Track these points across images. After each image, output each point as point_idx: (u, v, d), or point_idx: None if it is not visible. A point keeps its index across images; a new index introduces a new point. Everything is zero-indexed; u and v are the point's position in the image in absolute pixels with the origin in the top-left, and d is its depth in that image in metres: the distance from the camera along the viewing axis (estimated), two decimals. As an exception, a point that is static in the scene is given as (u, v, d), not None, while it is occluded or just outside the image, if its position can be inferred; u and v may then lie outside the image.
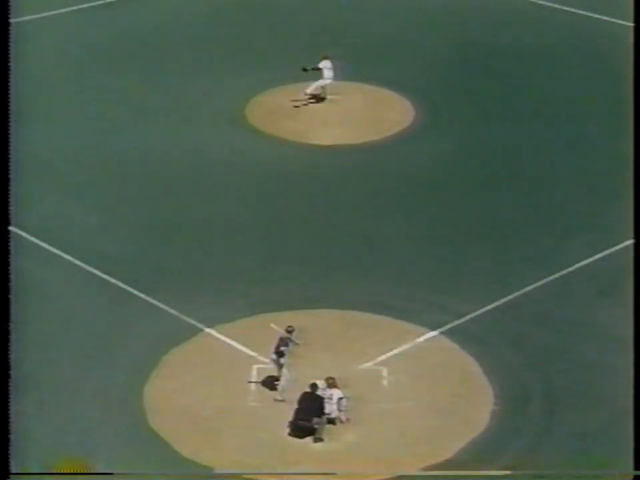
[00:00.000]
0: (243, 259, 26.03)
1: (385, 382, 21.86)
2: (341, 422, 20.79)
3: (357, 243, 26.89)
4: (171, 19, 39.92)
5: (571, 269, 25.58)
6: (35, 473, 18.18)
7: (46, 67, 35.74)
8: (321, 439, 20.45)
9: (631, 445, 17.85)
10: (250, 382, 21.70)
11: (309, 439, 20.44)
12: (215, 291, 24.62)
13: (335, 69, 32.88)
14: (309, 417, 20.30)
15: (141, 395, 21.40)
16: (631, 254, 21.56)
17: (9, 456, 16.38)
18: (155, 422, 20.78)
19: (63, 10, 40.27)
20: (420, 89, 34.59)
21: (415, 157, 31.12)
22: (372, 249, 26.65)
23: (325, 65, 32.91)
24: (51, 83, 34.94)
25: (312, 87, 33.02)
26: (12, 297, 17.03)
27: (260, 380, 21.72)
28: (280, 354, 21.29)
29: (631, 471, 17.94)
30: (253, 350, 22.51)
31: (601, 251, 26.23)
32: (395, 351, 22.58)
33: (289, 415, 20.69)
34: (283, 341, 21.46)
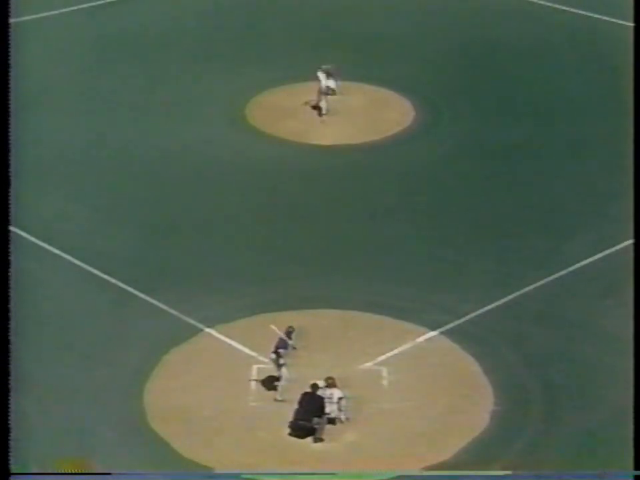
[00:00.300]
0: (242, 259, 26.03)
1: (384, 382, 21.87)
2: (341, 422, 20.80)
3: (357, 243, 26.90)
4: (170, 19, 39.90)
5: (570, 268, 25.61)
6: (35, 473, 18.21)
7: (46, 66, 35.72)
8: (321, 439, 20.45)
9: (631, 445, 17.92)
10: (251, 380, 21.67)
11: (309, 439, 20.44)
12: (214, 291, 24.62)
13: (330, 78, 32.64)
14: (310, 417, 20.30)
15: (141, 394, 21.40)
16: (631, 254, 21.53)
17: (9, 456, 16.45)
18: (155, 422, 20.78)
19: (63, 10, 40.28)
20: (420, 89, 34.63)
21: (415, 156, 31.15)
22: (372, 249, 26.65)
23: (319, 76, 32.77)
24: (50, 83, 34.93)
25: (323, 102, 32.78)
26: (12, 296, 17.02)
27: (260, 379, 21.74)
28: (278, 354, 21.27)
29: (631, 471, 18.02)
30: (252, 350, 22.52)
31: (601, 251, 26.26)
32: (395, 351, 22.60)
33: (289, 415, 20.69)
34: (282, 342, 21.45)
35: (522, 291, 24.77)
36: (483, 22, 40.24)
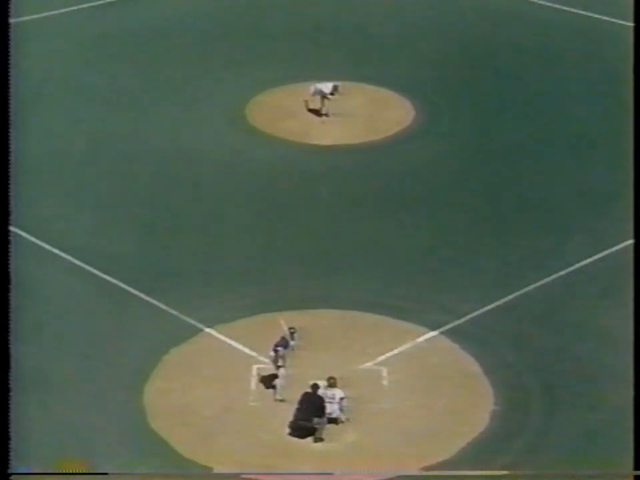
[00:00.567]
0: (242, 259, 26.00)
1: (384, 382, 21.85)
2: (342, 422, 20.79)
3: (356, 242, 26.87)
4: (170, 19, 39.83)
5: (571, 269, 25.58)
6: (35, 473, 18.19)
7: (46, 66, 35.70)
8: (321, 439, 20.44)
9: (631, 445, 17.88)
10: (253, 377, 21.64)
11: (309, 439, 20.43)
12: (214, 290, 24.61)
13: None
14: (310, 417, 20.29)
15: (141, 394, 21.38)
16: (631, 254, 21.54)
17: (9, 456, 16.46)
18: (154, 422, 20.77)
19: (63, 10, 40.26)
20: (420, 89, 34.59)
21: (415, 156, 31.12)
22: (372, 249, 26.62)
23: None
24: (50, 83, 34.90)
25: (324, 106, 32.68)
26: (12, 297, 17.01)
27: (260, 377, 21.73)
28: (276, 353, 21.25)
29: (631, 471, 17.98)
30: (252, 350, 22.50)
31: (601, 251, 26.22)
32: (395, 351, 22.58)
33: (289, 415, 20.67)
34: (284, 341, 21.42)
35: (522, 291, 24.75)
36: (483, 22, 40.21)
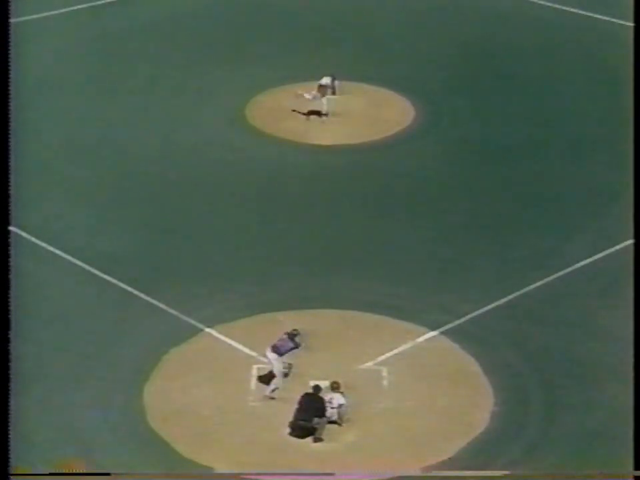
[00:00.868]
0: (242, 259, 25.98)
1: (384, 382, 21.82)
2: (339, 425, 20.77)
3: (356, 242, 26.86)
4: (170, 19, 39.83)
5: (570, 269, 25.56)
6: (35, 474, 18.21)
7: (46, 66, 35.69)
8: (320, 439, 20.43)
9: (631, 445, 17.86)
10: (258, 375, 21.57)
11: (308, 439, 20.41)
12: (214, 290, 24.59)
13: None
14: (310, 417, 20.27)
15: (141, 394, 21.35)
16: (631, 254, 21.48)
17: (9, 456, 16.46)
18: (154, 422, 20.74)
19: (63, 10, 40.25)
20: (420, 89, 34.57)
21: (415, 156, 31.10)
22: (372, 249, 26.60)
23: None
24: (50, 83, 34.88)
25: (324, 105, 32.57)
26: (11, 297, 17.01)
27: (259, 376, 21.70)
28: (275, 349, 21.17)
29: (631, 471, 17.95)
30: (252, 350, 22.47)
31: (601, 251, 26.20)
32: (395, 351, 22.55)
33: (289, 415, 20.64)
34: (283, 342, 21.39)
35: (522, 291, 24.74)
36: (483, 22, 40.20)
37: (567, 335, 23.49)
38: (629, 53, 23.52)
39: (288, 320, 22.42)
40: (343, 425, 20.70)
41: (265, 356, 21.53)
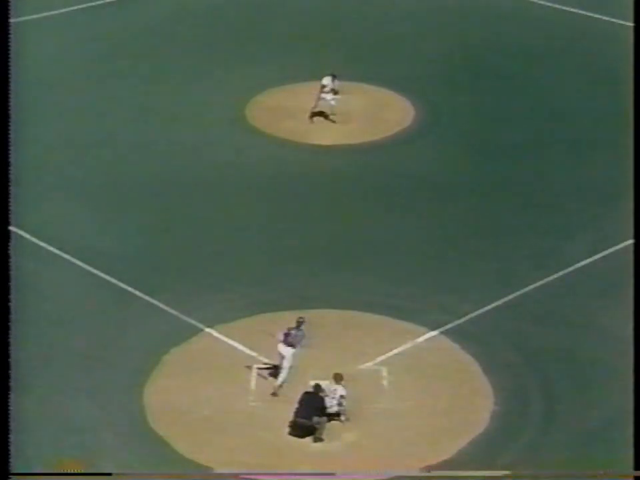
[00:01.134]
0: (242, 259, 25.97)
1: (384, 382, 21.81)
2: (341, 421, 20.77)
3: (356, 242, 26.84)
4: (171, 19, 39.77)
5: (571, 268, 25.54)
6: (35, 473, 18.22)
7: (46, 66, 35.66)
8: (320, 439, 20.43)
9: (631, 445, 17.91)
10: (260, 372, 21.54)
11: (308, 439, 20.41)
12: (214, 290, 24.58)
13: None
14: (310, 416, 20.27)
15: (141, 395, 21.34)
16: (631, 254, 21.51)
17: (9, 456, 16.45)
18: (155, 422, 20.73)
19: (63, 10, 40.23)
20: (420, 89, 34.50)
21: (415, 157, 31.07)
22: (372, 249, 26.58)
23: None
24: (50, 84, 34.84)
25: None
26: (12, 296, 17.01)
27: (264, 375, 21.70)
28: (289, 343, 21.11)
29: (631, 471, 17.99)
30: (252, 350, 22.47)
31: (601, 251, 26.19)
32: (395, 351, 22.54)
33: (289, 415, 20.62)
34: (294, 333, 21.27)
35: (522, 291, 24.73)
36: (483, 22, 40.15)
37: (567, 335, 23.48)
38: (629, 53, 23.51)
39: (287, 320, 22.29)
40: (343, 421, 20.67)
41: (278, 353, 21.38)
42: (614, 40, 37.32)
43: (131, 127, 32.49)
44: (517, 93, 34.89)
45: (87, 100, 33.96)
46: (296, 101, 33.46)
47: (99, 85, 34.84)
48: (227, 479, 19.51)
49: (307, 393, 20.57)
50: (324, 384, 20.64)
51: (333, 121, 32.35)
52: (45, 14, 39.43)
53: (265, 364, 21.84)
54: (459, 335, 23.15)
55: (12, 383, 16.70)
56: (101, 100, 33.94)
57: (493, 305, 24.19)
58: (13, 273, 17.17)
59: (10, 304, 16.91)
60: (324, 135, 32.09)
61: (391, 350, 22.50)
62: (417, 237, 27.22)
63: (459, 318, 23.69)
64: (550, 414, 21.28)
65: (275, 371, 21.54)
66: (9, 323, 16.83)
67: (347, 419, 20.84)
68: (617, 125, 30.69)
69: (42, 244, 26.22)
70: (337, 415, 20.68)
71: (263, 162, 30.48)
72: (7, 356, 16.59)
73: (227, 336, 22.94)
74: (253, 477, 19.40)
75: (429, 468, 19.57)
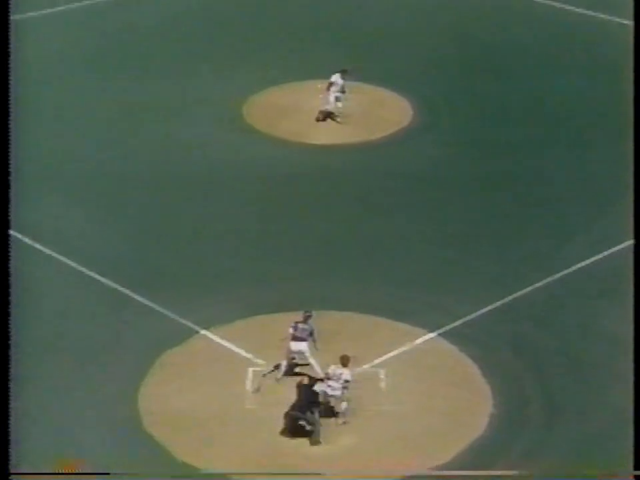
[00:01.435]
0: (239, 260, 25.91)
1: (382, 384, 21.74)
2: (338, 423, 20.65)
3: (354, 243, 26.78)
4: (170, 16, 39.65)
5: (570, 270, 25.48)
6: (34, 473, 18.26)
7: (38, 66, 35.55)
8: (318, 442, 20.37)
9: (631, 444, 17.97)
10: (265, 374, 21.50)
11: (306, 442, 20.32)
12: (210, 292, 24.49)
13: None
14: (304, 410, 20.09)
15: (137, 397, 21.26)
16: (631, 254, 21.55)
17: (9, 456, 16.50)
18: (150, 425, 20.62)
19: (60, 8, 40.17)
20: (418, 89, 34.47)
21: (413, 156, 31.00)
22: (369, 250, 26.53)
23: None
24: (43, 82, 34.73)
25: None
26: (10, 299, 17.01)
27: (257, 385, 21.63)
28: (299, 338, 21.02)
29: (631, 471, 18.03)
30: (249, 352, 22.40)
31: (601, 252, 26.15)
32: (393, 353, 22.46)
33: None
34: (302, 327, 21.20)
35: (521, 292, 24.65)
36: (482, 21, 40.11)
37: (567, 337, 23.42)
38: (630, 53, 23.47)
39: (284, 321, 22.24)
40: (341, 423, 20.54)
41: (290, 352, 21.21)
42: (615, 39, 37.30)
43: (127, 126, 32.38)
44: (517, 93, 34.79)
45: (83, 100, 33.87)
46: (293, 100, 33.44)
47: (96, 85, 34.74)
48: (226, 479, 19.46)
49: (303, 385, 20.44)
50: (330, 368, 20.50)
51: (339, 122, 32.06)
52: (42, 12, 39.38)
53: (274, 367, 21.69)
54: (458, 337, 23.08)
55: (11, 385, 16.57)
56: (97, 100, 33.83)
57: (492, 306, 24.13)
58: (10, 275, 17.14)
59: (9, 306, 16.89)
60: (321, 135, 32.00)
61: (388, 352, 22.42)
62: (415, 237, 27.15)
63: (458, 320, 23.62)
64: (549, 417, 21.19)
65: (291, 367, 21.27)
66: (9, 326, 16.82)
67: (345, 422, 20.78)
68: (617, 124, 30.57)
69: (37, 246, 26.15)
70: (333, 413, 20.51)
71: (259, 161, 30.36)
72: (7, 356, 16.45)
73: (223, 338, 22.85)
74: (253, 476, 19.35)
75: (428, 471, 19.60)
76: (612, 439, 20.13)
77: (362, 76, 33.10)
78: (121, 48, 37.17)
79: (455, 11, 40.80)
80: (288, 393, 20.98)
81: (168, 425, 20.67)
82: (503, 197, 29.12)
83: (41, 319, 23.48)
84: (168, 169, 30.02)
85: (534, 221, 27.87)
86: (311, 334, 21.44)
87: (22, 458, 17.83)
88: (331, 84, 31.80)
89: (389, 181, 29.74)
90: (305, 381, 20.77)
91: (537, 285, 24.92)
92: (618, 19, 38.72)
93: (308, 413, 20.22)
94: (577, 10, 40.65)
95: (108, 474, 18.03)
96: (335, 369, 20.44)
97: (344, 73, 31.81)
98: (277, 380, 21.38)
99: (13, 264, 17.48)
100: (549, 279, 25.12)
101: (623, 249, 25.71)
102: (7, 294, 16.84)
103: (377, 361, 22.27)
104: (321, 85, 32.85)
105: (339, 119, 32.19)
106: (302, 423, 20.27)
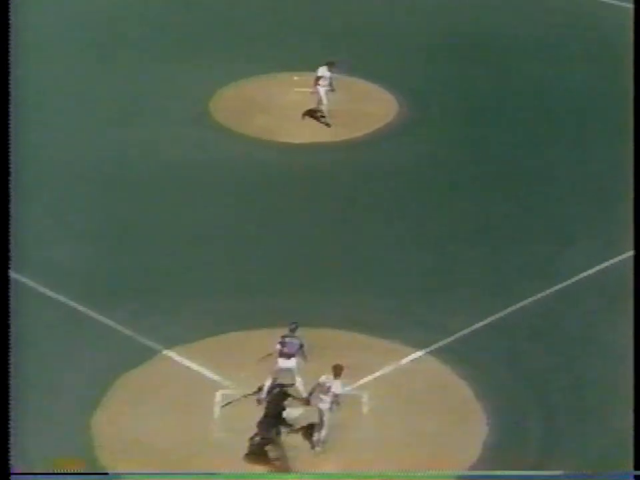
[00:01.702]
0: (207, 271, 25.82)
1: (365, 408, 21.69)
2: (315, 451, 20.48)
3: (333, 251, 26.76)
4: (137, 3, 39.60)
5: (570, 281, 25.58)
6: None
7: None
8: (287, 470, 20.02)
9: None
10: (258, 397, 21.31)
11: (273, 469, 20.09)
12: (175, 307, 24.41)
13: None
14: (268, 428, 19.91)
15: (89, 425, 21.07)
16: (631, 265, 21.86)
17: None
18: (103, 456, 20.39)
19: None
20: (405, 82, 34.57)
21: (399, 156, 31.06)
22: (351, 258, 26.54)
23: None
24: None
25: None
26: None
27: (224, 405, 21.51)
28: (287, 354, 21.06)
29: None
30: (216, 374, 22.29)
31: (602, 262, 26.26)
32: (377, 374, 22.47)
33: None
34: (290, 341, 21.18)
35: (517, 305, 24.74)
36: (474, 8, 40.29)
37: (567, 354, 23.51)
38: (630, 52, 23.52)
39: (258, 340, 22.07)
40: (317, 450, 20.30)
41: (278, 369, 21.16)
42: (616, 28, 37.53)
43: (81, 124, 32.22)
44: (511, 88, 34.98)
45: (34, 91, 33.60)
46: (266, 94, 33.55)
47: (48, 76, 34.54)
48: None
49: (274, 396, 20.38)
50: (321, 378, 20.40)
51: (327, 124, 32.01)
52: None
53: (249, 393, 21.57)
54: (449, 355, 23.12)
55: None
56: (48, 93, 33.64)
57: (487, 320, 24.21)
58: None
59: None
60: (298, 132, 32.04)
61: (372, 372, 22.42)
62: (401, 245, 27.16)
63: (449, 336, 23.68)
64: (549, 442, 21.18)
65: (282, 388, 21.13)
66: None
67: (322, 450, 20.61)
68: (619, 125, 30.60)
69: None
70: (310, 438, 20.27)
71: (230, 163, 30.33)
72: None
73: (188, 358, 22.76)
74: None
75: None
76: (614, 464, 20.13)
77: (344, 68, 33.07)
78: (76, 37, 37.01)
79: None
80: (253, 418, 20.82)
81: (124, 455, 20.46)
82: (496, 200, 29.20)
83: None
84: (127, 173, 29.85)
85: (530, 227, 27.97)
86: (301, 347, 21.43)
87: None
88: (319, 78, 31.74)
89: (373, 183, 29.82)
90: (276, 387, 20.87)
91: (534, 297, 25.01)
92: (620, 3, 38.88)
93: (273, 432, 19.95)
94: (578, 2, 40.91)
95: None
96: (325, 380, 20.34)
97: (331, 66, 31.77)
98: (259, 402, 21.19)
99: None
100: (547, 291, 25.21)
101: (626, 259, 25.75)
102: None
103: (359, 383, 22.20)
104: (297, 77, 32.78)
105: (325, 119, 32.14)
106: (266, 448, 20.09)
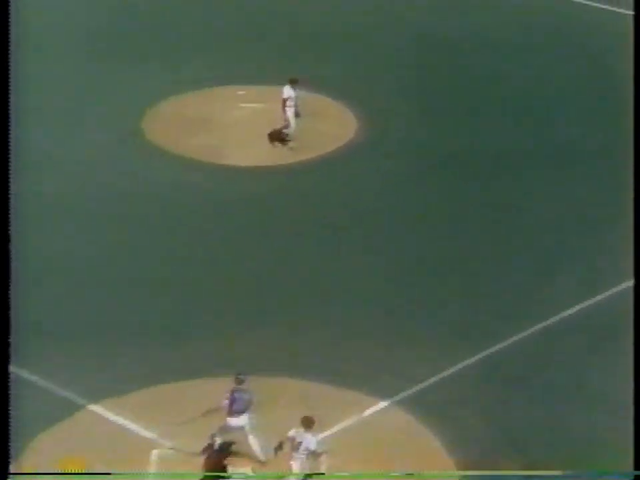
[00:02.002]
0: (137, 313, 25.67)
1: (322, 467, 21.08)
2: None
3: (282, 288, 26.74)
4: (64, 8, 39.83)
5: (554, 318, 25.63)
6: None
7: None
8: None
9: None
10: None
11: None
12: (100, 355, 24.16)
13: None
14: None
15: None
16: (630, 298, 21.54)
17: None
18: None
19: None
20: (364, 95, 34.83)
21: (359, 179, 31.23)
22: (305, 295, 26.50)
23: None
24: None
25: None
26: None
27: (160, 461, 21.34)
28: (236, 412, 20.99)
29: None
30: (150, 430, 22.11)
31: (593, 296, 26.33)
32: (336, 428, 22.37)
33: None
34: (238, 396, 21.17)
35: (495, 348, 24.74)
36: (444, 10, 40.75)
37: (551, 402, 23.48)
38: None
39: (198, 391, 21.67)
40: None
41: (226, 427, 21.17)
42: (609, 29, 38.42)
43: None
44: (489, 98, 35.38)
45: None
46: (206, 111, 33.63)
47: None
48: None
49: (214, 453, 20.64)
50: (290, 432, 20.31)
51: (291, 148, 32.31)
52: None
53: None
54: (416, 405, 23.09)
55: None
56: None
57: (458, 366, 24.14)
58: None
59: None
60: (244, 154, 32.19)
61: (330, 427, 22.26)
62: (361, 279, 27.08)
63: (416, 384, 23.65)
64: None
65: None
66: None
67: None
68: (614, 133, 31.15)
69: None
70: None
71: (165, 188, 30.36)
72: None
73: (118, 413, 22.58)
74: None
75: None
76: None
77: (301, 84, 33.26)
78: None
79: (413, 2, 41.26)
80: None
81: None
82: (471, 225, 29.27)
83: None
84: (43, 202, 29.38)
85: (510, 257, 28.04)
86: (251, 402, 21.45)
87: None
88: (285, 100, 31.95)
89: (328, 211, 29.91)
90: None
91: (514, 338, 25.03)
92: (613, 8, 39.42)
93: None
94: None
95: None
96: (294, 434, 20.24)
97: (294, 83, 32.05)
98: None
99: None
100: (528, 331, 25.24)
101: (620, 292, 25.89)
102: None
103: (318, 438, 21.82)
104: (242, 91, 32.69)
105: (291, 144, 32.35)
106: None
